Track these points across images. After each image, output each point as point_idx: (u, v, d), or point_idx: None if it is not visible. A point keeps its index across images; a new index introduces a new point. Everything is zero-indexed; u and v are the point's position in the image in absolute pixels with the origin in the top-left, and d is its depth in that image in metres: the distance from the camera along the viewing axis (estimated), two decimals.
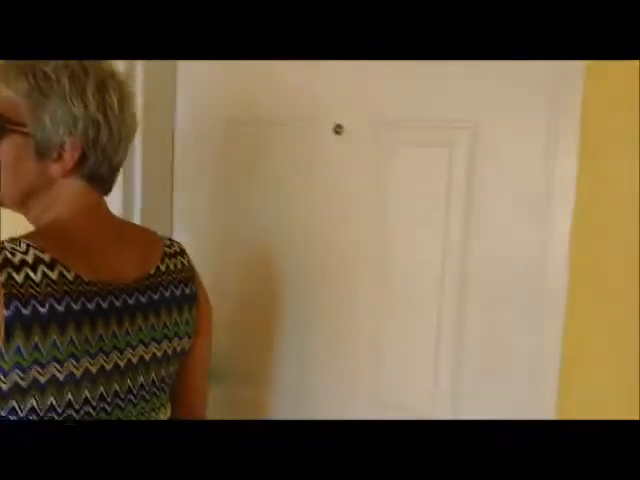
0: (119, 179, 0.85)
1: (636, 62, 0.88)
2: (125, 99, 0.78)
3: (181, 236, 1.38)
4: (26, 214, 0.80)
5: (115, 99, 0.76)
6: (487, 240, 1.07)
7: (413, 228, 1.13)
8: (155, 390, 0.83)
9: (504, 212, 1.05)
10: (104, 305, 0.73)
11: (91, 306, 0.72)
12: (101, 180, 0.79)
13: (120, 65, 1.21)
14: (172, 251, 0.88)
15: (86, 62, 0.76)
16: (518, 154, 1.03)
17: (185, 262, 0.89)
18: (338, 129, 1.17)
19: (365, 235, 1.18)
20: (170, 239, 0.91)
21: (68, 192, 0.77)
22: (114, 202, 1.01)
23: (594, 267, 0.96)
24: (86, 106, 0.73)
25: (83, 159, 0.76)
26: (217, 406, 1.18)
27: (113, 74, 0.78)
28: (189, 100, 1.35)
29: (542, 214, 1.01)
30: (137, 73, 1.26)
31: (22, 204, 0.78)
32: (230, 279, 1.34)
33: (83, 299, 0.71)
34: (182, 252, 0.90)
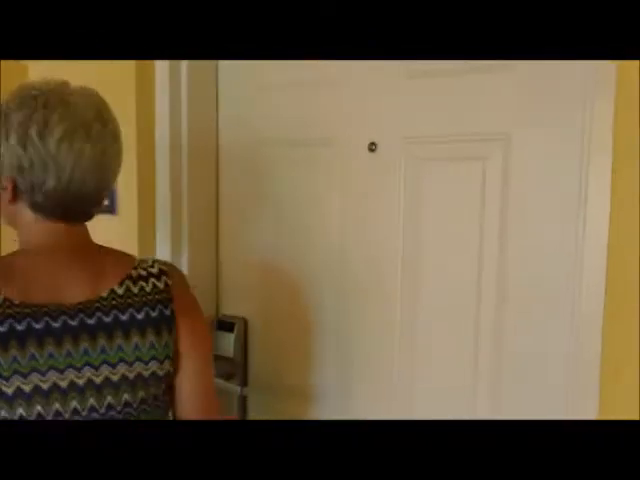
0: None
1: None
2: (48, 128, 0.79)
3: (225, 254, 1.45)
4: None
5: (35, 131, 0.78)
6: (522, 252, 1.07)
7: (448, 243, 1.15)
8: (132, 411, 0.81)
9: (539, 225, 1.05)
10: (37, 326, 0.77)
11: (21, 327, 0.76)
12: (44, 208, 0.82)
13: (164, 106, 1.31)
14: (143, 274, 0.85)
15: (17, 100, 0.80)
16: (551, 167, 1.04)
17: (161, 284, 0.85)
18: (372, 146, 1.21)
19: (400, 250, 1.20)
20: (156, 260, 0.88)
21: (24, 220, 0.84)
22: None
23: (631, 281, 0.94)
24: (8, 142, 0.79)
25: (17, 190, 0.82)
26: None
27: (46, 104, 0.80)
28: (230, 122, 1.42)
29: (577, 227, 1.01)
30: (182, 102, 1.36)
31: (15, 229, 0.87)
32: (270, 297, 1.39)
33: (11, 320, 0.75)
34: (160, 274, 0.86)
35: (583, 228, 1.00)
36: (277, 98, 1.34)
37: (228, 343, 1.41)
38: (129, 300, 0.83)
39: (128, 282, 0.84)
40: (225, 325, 1.42)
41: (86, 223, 0.88)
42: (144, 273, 0.85)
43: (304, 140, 1.31)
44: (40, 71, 1.44)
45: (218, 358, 1.43)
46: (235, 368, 1.41)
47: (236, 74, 1.40)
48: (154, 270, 0.86)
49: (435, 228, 1.16)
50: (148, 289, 0.84)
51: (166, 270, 0.87)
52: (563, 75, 1.01)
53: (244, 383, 1.43)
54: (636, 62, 0.91)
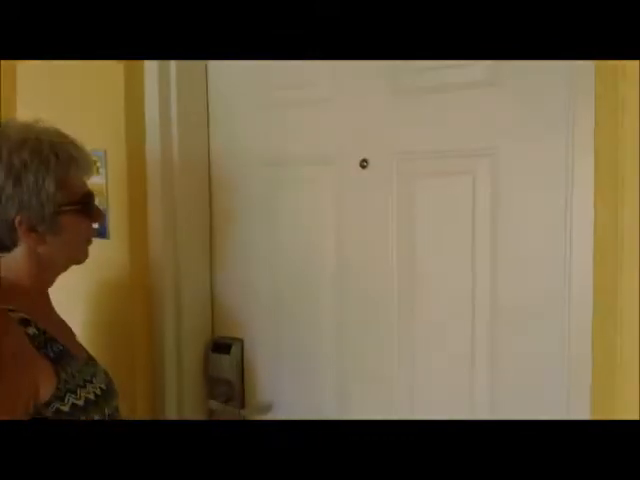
0: None
1: None
2: None
3: (219, 274, 1.44)
4: None
5: None
6: (512, 264, 1.08)
7: (441, 256, 1.15)
8: None
9: (527, 237, 1.07)
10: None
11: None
12: None
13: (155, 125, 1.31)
14: None
15: None
16: (538, 179, 1.05)
17: None
18: (364, 163, 1.22)
19: (395, 265, 1.20)
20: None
21: None
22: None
23: (617, 292, 0.95)
24: None
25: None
26: None
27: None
28: (221, 141, 1.42)
29: (564, 237, 1.02)
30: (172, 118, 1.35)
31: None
32: (266, 317, 1.38)
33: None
34: None
35: (570, 238, 1.02)
36: (267, 117, 1.34)
37: (225, 365, 1.40)
38: None
39: None
40: (221, 347, 1.41)
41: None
42: None
43: (296, 158, 1.32)
44: (28, 71, 1.46)
45: (215, 380, 1.41)
46: (233, 390, 1.40)
47: (227, 93, 1.40)
48: None
49: (427, 242, 1.17)
50: None
51: None
52: (546, 90, 1.03)
53: (242, 405, 1.41)
54: (614, 76, 0.93)
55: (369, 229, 1.23)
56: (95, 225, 1.06)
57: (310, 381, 1.33)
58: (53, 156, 0.92)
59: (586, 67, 0.96)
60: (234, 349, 1.40)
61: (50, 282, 1.02)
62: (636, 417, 0.91)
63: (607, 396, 0.96)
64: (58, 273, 1.02)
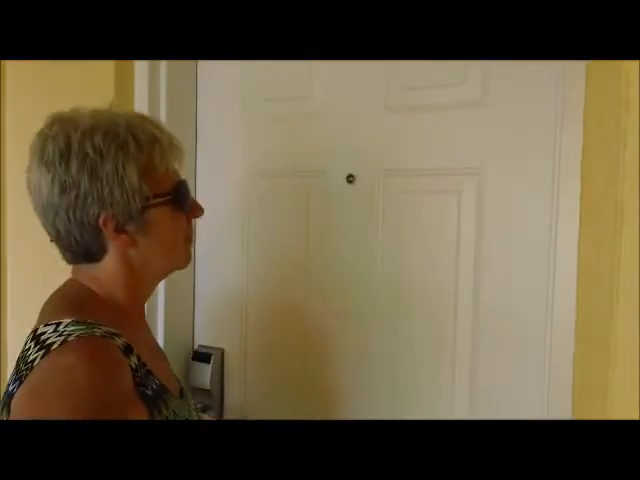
0: None
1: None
2: None
3: (201, 284, 1.43)
4: None
5: None
6: (496, 282, 1.10)
7: (424, 274, 1.17)
8: None
9: (511, 255, 1.08)
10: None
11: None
12: None
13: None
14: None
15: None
16: (523, 198, 1.07)
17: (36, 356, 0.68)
18: (350, 178, 1.22)
19: (379, 280, 1.21)
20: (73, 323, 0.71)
21: None
22: None
23: (599, 308, 0.97)
24: None
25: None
26: None
27: None
28: (209, 152, 1.42)
29: (548, 255, 1.05)
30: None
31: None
32: (247, 327, 1.37)
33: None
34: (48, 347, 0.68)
35: (554, 257, 1.04)
36: (256, 130, 1.35)
37: (204, 374, 1.39)
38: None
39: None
40: (201, 356, 1.40)
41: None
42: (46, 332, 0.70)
43: (282, 171, 1.32)
44: (18, 70, 1.44)
45: (194, 390, 1.40)
46: (211, 400, 1.39)
47: (216, 106, 1.40)
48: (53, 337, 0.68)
49: (412, 259, 1.18)
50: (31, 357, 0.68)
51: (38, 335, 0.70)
52: (534, 112, 1.05)
53: (221, 414, 1.41)
54: (602, 99, 0.95)
55: (354, 244, 1.23)
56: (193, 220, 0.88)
57: (289, 392, 1.33)
58: (132, 139, 0.75)
59: (575, 89, 0.99)
60: (214, 358, 1.39)
61: (147, 294, 0.86)
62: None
63: (587, 409, 0.98)
64: (156, 282, 0.87)
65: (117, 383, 0.67)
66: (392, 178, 1.19)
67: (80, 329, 0.68)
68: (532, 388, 1.06)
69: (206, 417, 1.36)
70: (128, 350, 0.72)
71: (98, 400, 0.63)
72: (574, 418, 1.00)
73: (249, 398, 1.39)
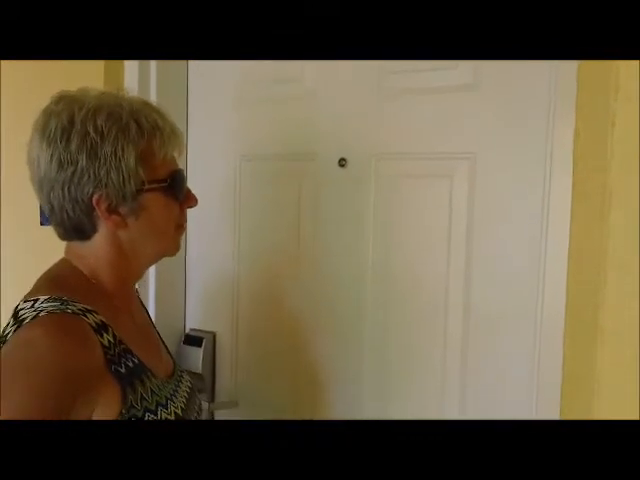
0: None
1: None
2: None
3: (193, 267, 1.43)
4: None
5: None
6: (488, 269, 1.10)
7: (417, 257, 1.16)
8: None
9: (502, 241, 1.08)
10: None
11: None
12: None
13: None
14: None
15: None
16: (515, 184, 1.06)
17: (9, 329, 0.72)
18: (342, 162, 1.22)
19: (370, 264, 1.21)
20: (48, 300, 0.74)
21: None
22: None
23: (590, 294, 0.97)
24: None
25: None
26: None
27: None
28: (200, 136, 1.41)
29: (540, 242, 1.04)
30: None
31: None
32: (239, 311, 1.37)
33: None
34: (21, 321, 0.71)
35: (545, 243, 1.04)
36: (247, 113, 1.34)
37: (196, 358, 1.39)
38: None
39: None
40: (193, 340, 1.41)
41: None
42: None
43: (274, 155, 1.31)
44: (9, 70, 1.43)
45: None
46: (203, 384, 1.39)
47: (207, 89, 1.39)
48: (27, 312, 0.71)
49: (403, 243, 1.18)
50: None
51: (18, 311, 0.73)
52: (527, 96, 1.04)
53: (212, 399, 1.41)
54: (595, 84, 0.94)
55: (346, 228, 1.23)
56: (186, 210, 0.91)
57: (281, 376, 1.33)
58: (134, 123, 0.77)
59: (568, 75, 0.98)
60: (206, 342, 1.39)
61: (134, 277, 0.88)
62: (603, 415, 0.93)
63: (575, 409, 0.98)
64: (145, 266, 0.89)
65: (82, 358, 0.69)
66: (384, 162, 1.18)
67: (53, 306, 0.71)
68: (521, 371, 1.07)
69: (204, 398, 1.37)
70: (102, 328, 0.74)
71: (60, 374, 0.66)
72: (562, 406, 1.00)
73: (240, 381, 1.39)
